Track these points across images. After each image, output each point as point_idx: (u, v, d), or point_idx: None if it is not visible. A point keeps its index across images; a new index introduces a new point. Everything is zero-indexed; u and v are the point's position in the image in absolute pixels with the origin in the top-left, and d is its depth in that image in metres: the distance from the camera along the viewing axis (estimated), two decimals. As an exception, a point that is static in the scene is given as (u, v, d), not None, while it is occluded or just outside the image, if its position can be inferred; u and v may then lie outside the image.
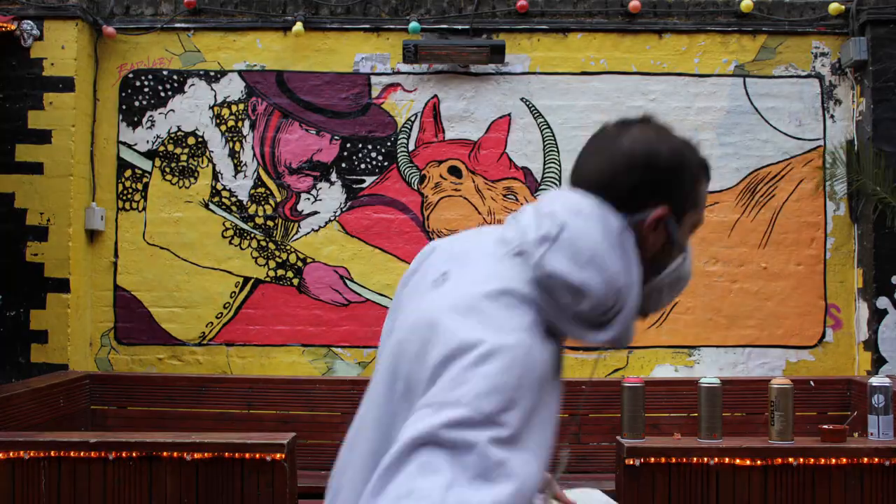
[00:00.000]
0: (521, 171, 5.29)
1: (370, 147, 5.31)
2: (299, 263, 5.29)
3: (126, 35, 5.34)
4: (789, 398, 3.24)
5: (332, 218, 5.30)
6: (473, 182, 5.29)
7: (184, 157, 5.33)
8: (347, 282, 5.27)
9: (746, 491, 3.17)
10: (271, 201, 5.31)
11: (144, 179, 5.34)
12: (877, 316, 5.02)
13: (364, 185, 5.31)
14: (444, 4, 5.33)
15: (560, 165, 5.27)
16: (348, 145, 5.32)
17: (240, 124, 5.34)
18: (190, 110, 5.35)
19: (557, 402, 1.27)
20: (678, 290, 1.52)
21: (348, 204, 5.30)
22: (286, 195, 5.31)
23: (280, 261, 5.29)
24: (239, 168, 5.33)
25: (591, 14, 5.33)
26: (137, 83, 5.35)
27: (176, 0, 5.34)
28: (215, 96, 5.35)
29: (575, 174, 1.32)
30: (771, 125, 5.27)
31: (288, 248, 5.29)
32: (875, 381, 3.40)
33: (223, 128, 5.34)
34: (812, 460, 3.17)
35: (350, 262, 5.28)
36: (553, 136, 5.29)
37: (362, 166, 5.31)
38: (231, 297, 5.28)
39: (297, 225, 5.30)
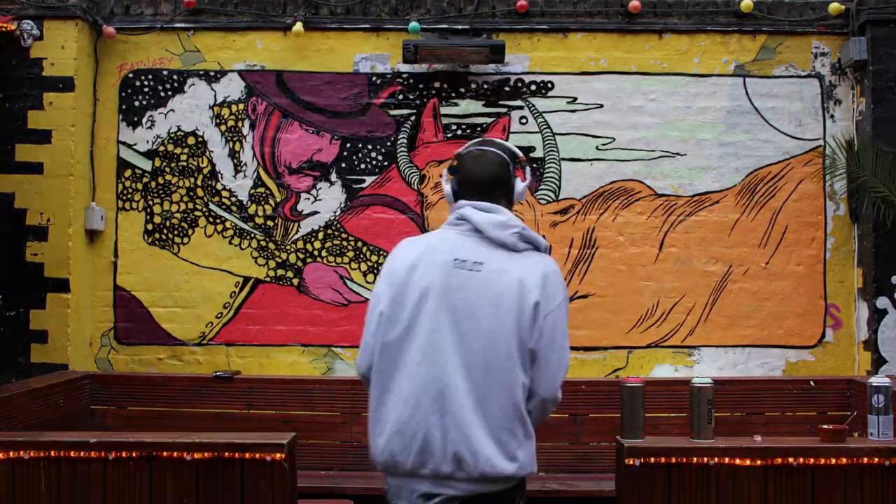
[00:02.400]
0: (521, 171, 5.28)
1: (370, 147, 5.31)
2: (299, 263, 5.29)
3: (126, 35, 5.34)
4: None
5: (333, 218, 5.30)
6: (473, 182, 5.28)
7: (184, 157, 5.33)
8: (347, 282, 5.27)
9: (746, 491, 3.16)
10: (271, 201, 5.31)
11: (144, 179, 5.34)
12: (877, 316, 5.02)
13: (364, 185, 5.31)
14: (444, 4, 5.33)
15: (560, 165, 5.27)
16: (348, 145, 5.32)
17: (240, 124, 5.34)
18: (190, 110, 5.35)
19: None
20: None
21: (348, 204, 5.30)
22: (286, 195, 5.31)
23: (280, 261, 5.29)
24: (239, 168, 5.33)
25: (591, 14, 5.33)
26: (137, 83, 5.36)
27: (176, 0, 5.34)
28: (215, 96, 5.35)
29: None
30: (771, 125, 5.27)
31: (288, 248, 5.29)
32: (875, 381, 3.39)
33: (223, 128, 5.34)
34: (812, 460, 3.17)
35: (350, 262, 5.28)
36: (553, 136, 5.29)
37: (362, 166, 5.31)
38: (231, 297, 5.28)
39: (297, 225, 5.30)
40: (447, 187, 2.57)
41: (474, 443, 2.19)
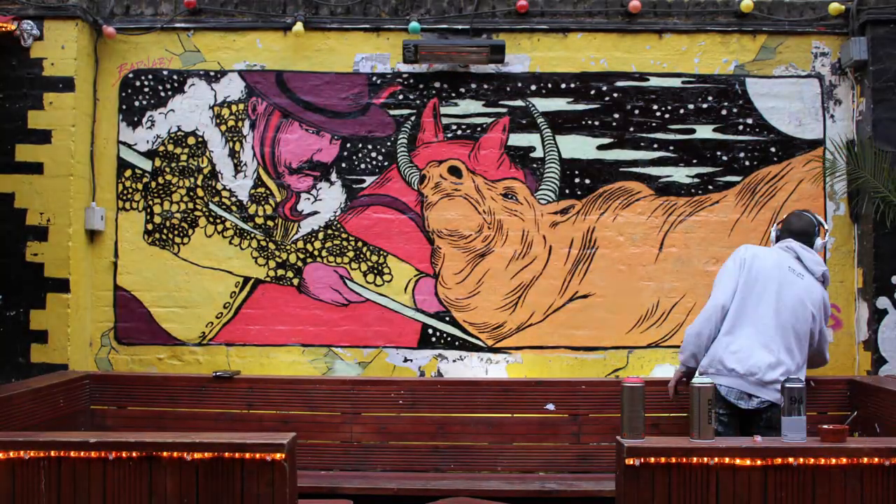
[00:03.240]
0: (521, 171, 5.29)
1: (370, 147, 5.32)
2: (299, 263, 5.29)
3: (126, 35, 5.34)
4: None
5: (332, 218, 5.30)
6: (473, 182, 5.29)
7: (184, 157, 5.33)
8: (347, 282, 5.27)
9: (746, 491, 3.17)
10: (271, 201, 5.32)
11: (144, 179, 5.34)
12: (877, 316, 5.02)
13: (364, 185, 5.31)
14: (444, 4, 5.34)
15: (559, 166, 5.28)
16: (348, 145, 5.32)
17: (240, 124, 5.34)
18: (190, 110, 5.35)
19: None
20: None
21: (348, 204, 5.30)
22: (286, 195, 5.31)
23: (280, 261, 5.29)
24: (239, 168, 5.33)
25: (591, 14, 5.34)
26: (137, 83, 5.36)
27: (176, 0, 5.34)
28: (215, 96, 5.35)
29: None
30: (771, 125, 5.27)
31: (288, 247, 5.29)
32: (788, 383, 3.36)
33: (223, 128, 5.34)
34: (812, 460, 3.17)
35: (350, 262, 5.28)
36: (553, 136, 5.29)
37: (362, 166, 5.31)
38: (231, 297, 5.28)
39: (297, 225, 5.30)
40: (773, 233, 4.45)
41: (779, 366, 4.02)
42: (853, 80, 5.25)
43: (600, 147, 5.29)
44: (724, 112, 5.28)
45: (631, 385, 3.35)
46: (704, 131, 5.28)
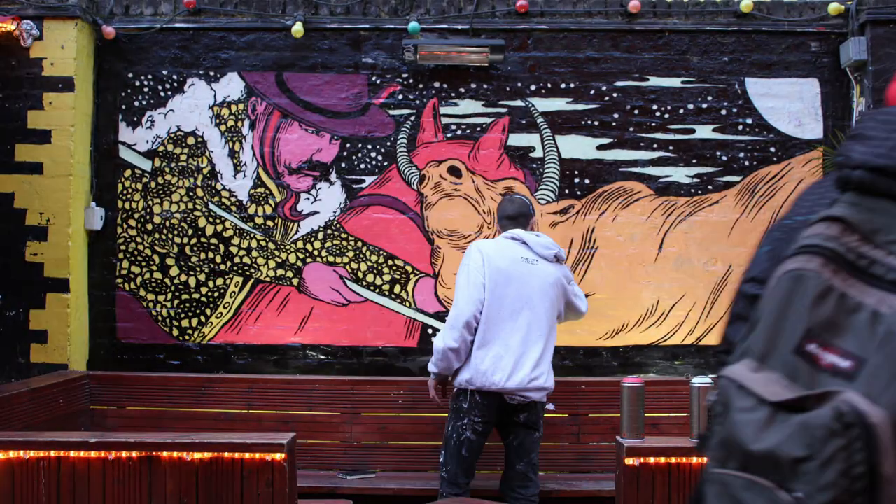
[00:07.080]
0: (521, 171, 5.29)
1: (370, 147, 5.32)
2: (299, 263, 5.29)
3: (126, 35, 5.34)
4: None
5: (332, 218, 5.30)
6: (473, 182, 5.29)
7: (183, 157, 5.33)
8: (347, 282, 5.27)
9: (746, 491, 3.16)
10: (271, 201, 5.31)
11: (144, 179, 5.34)
12: (876, 316, 5.01)
13: (364, 185, 5.31)
14: (444, 4, 5.34)
15: (559, 166, 5.28)
16: (348, 145, 5.32)
17: (239, 124, 5.34)
18: (189, 110, 5.35)
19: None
20: None
21: (348, 204, 5.30)
22: (286, 195, 5.31)
23: (280, 261, 5.29)
24: (238, 168, 5.33)
25: (591, 14, 5.34)
26: (137, 83, 5.35)
27: (176, 0, 5.34)
28: (215, 96, 5.35)
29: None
30: (771, 125, 5.27)
31: (287, 248, 5.29)
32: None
33: (223, 128, 5.34)
34: (812, 460, 3.16)
35: (350, 262, 5.28)
36: (552, 135, 5.29)
37: (362, 166, 5.31)
38: (231, 296, 5.28)
39: (296, 225, 5.30)
40: (497, 224, 4.28)
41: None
42: (853, 80, 5.25)
43: (600, 147, 5.29)
44: (723, 112, 5.29)
45: (631, 385, 3.36)
46: (704, 131, 5.29)
